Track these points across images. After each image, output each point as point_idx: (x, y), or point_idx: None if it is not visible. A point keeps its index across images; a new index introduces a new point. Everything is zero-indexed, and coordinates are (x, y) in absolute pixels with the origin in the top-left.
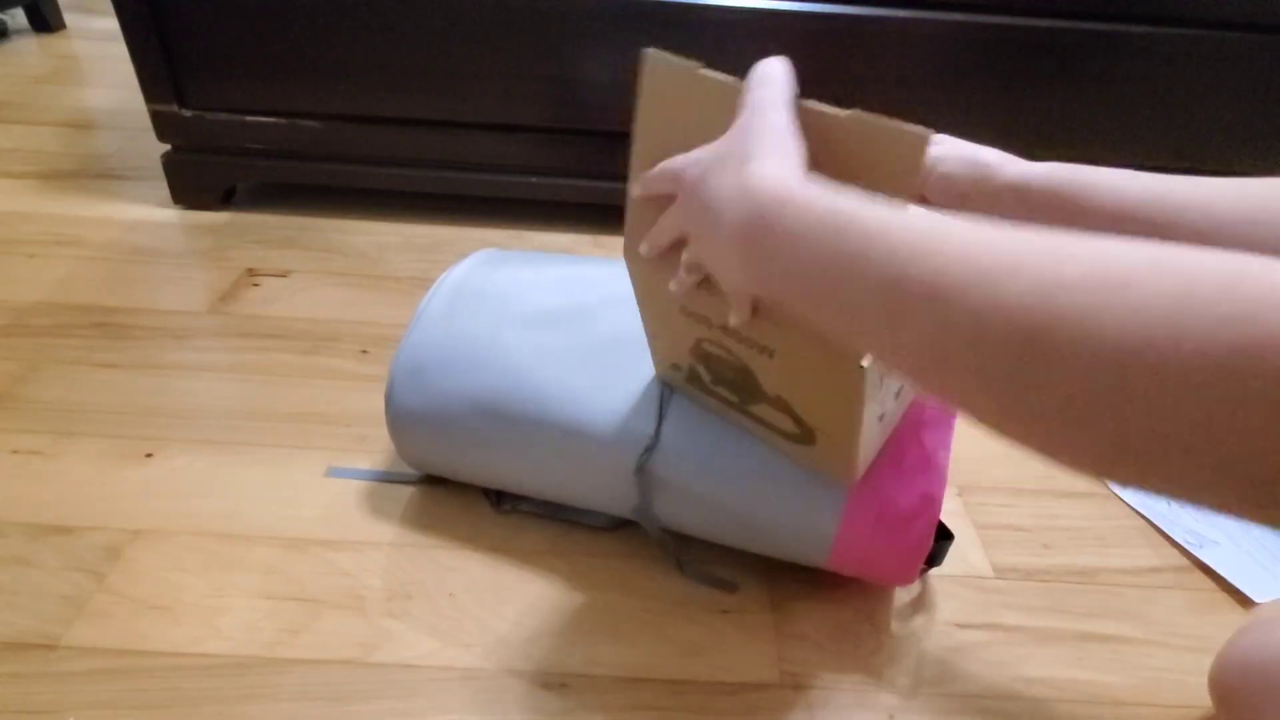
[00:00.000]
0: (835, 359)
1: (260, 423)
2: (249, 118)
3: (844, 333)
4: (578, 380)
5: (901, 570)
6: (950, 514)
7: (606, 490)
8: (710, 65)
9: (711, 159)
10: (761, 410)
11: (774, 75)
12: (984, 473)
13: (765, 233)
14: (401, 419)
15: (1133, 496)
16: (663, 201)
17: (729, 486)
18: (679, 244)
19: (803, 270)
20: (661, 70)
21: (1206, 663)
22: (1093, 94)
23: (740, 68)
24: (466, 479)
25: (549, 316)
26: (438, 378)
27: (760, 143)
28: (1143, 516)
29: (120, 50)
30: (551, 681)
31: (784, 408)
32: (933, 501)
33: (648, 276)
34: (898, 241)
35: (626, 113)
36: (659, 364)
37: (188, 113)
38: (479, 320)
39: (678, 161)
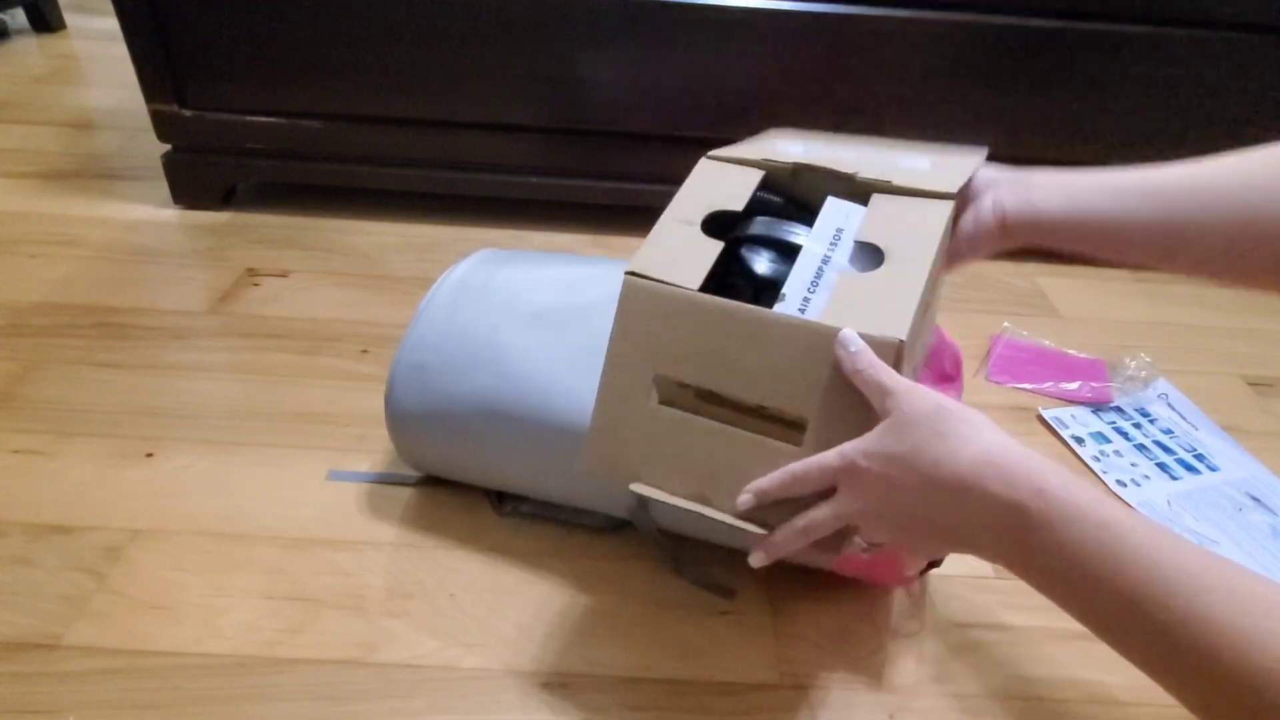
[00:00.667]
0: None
1: (260, 422)
2: (249, 118)
3: (1083, 622)
4: (577, 379)
5: (902, 570)
6: None
7: (605, 490)
8: (708, 75)
9: (890, 451)
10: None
11: (864, 346)
12: None
13: (1025, 535)
14: (401, 418)
15: (1131, 496)
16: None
17: None
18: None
19: (1065, 580)
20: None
21: None
22: (1093, 94)
23: (741, 68)
24: (465, 479)
25: (549, 315)
26: (438, 376)
27: (948, 425)
28: None
29: (120, 50)
30: (552, 681)
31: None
32: None
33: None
34: (1168, 587)
35: (626, 113)
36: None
37: (188, 113)
38: (479, 319)
39: (839, 456)
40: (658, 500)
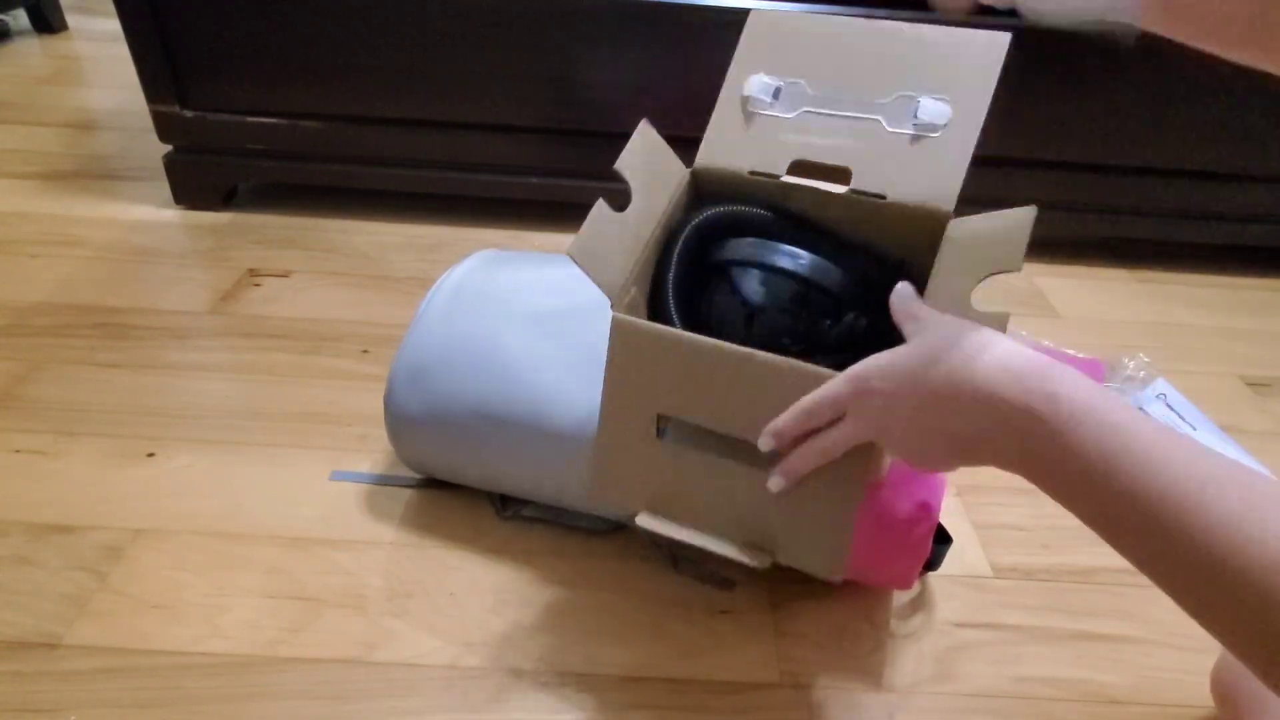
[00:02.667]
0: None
1: (261, 422)
2: (250, 118)
3: (1091, 526)
4: (576, 383)
5: (900, 575)
6: (949, 514)
7: None
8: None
9: (905, 366)
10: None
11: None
12: (983, 472)
13: (1035, 441)
14: (401, 422)
15: None
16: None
17: None
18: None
19: (1071, 483)
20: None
21: (1205, 662)
22: (1093, 95)
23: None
24: (465, 482)
25: (549, 318)
26: (437, 380)
27: (969, 336)
28: None
29: (122, 51)
30: (552, 681)
31: None
32: (930, 509)
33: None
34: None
35: (626, 113)
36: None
37: (189, 113)
38: (479, 322)
39: (847, 380)
40: (656, 532)
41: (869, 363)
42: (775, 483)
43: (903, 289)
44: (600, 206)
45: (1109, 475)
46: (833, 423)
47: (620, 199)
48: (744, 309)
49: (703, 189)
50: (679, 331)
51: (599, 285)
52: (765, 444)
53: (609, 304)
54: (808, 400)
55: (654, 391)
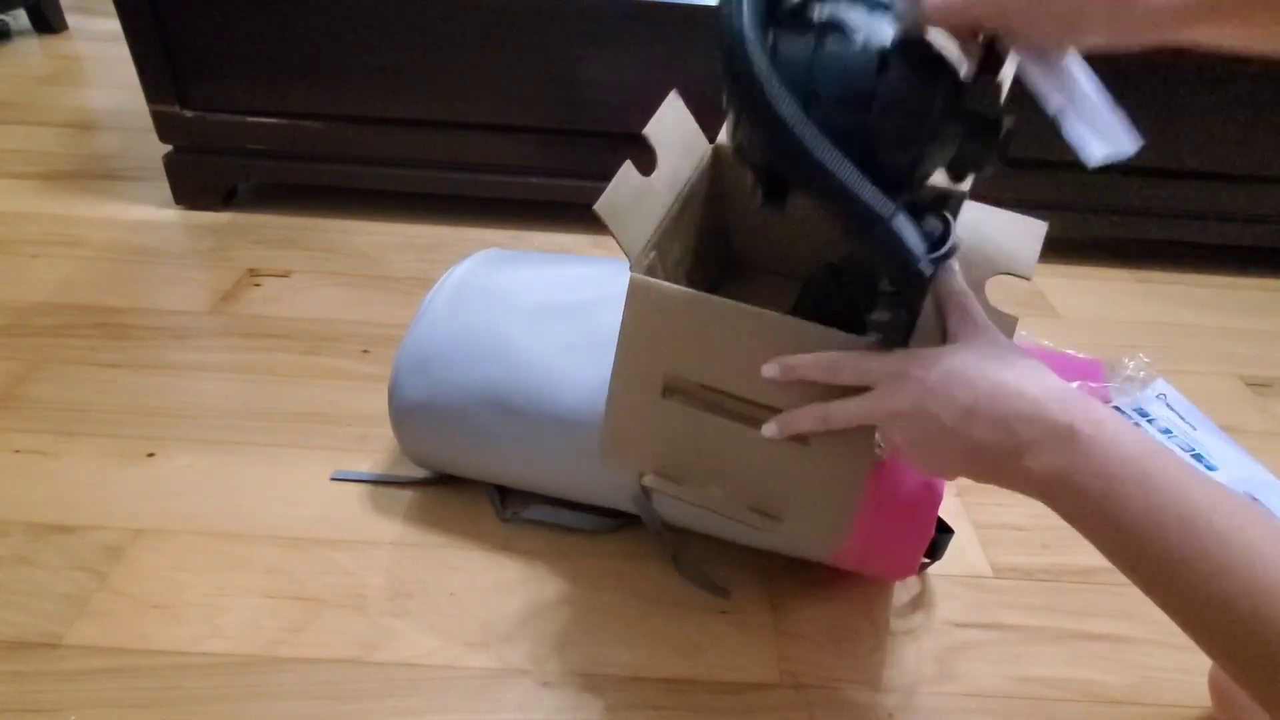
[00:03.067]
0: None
1: (262, 422)
2: (250, 118)
3: (1110, 557)
4: (581, 372)
5: (903, 561)
6: (949, 513)
7: (609, 482)
8: (709, 75)
9: (951, 365)
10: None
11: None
12: None
13: (1071, 456)
14: (405, 412)
15: None
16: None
17: None
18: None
19: (1097, 510)
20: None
21: (1204, 661)
22: None
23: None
24: (469, 473)
25: (552, 310)
26: (442, 370)
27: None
28: None
29: (122, 51)
30: (552, 680)
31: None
32: (933, 489)
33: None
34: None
35: (626, 113)
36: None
37: (189, 113)
38: (483, 314)
39: (888, 360)
40: (666, 494)
41: (913, 351)
42: (769, 429)
43: (959, 279)
44: (628, 167)
45: (1133, 498)
46: (846, 394)
47: (644, 167)
48: (876, 53)
49: (725, 165)
50: (697, 292)
51: (622, 244)
52: (770, 370)
53: (628, 264)
54: (838, 354)
55: (669, 353)
